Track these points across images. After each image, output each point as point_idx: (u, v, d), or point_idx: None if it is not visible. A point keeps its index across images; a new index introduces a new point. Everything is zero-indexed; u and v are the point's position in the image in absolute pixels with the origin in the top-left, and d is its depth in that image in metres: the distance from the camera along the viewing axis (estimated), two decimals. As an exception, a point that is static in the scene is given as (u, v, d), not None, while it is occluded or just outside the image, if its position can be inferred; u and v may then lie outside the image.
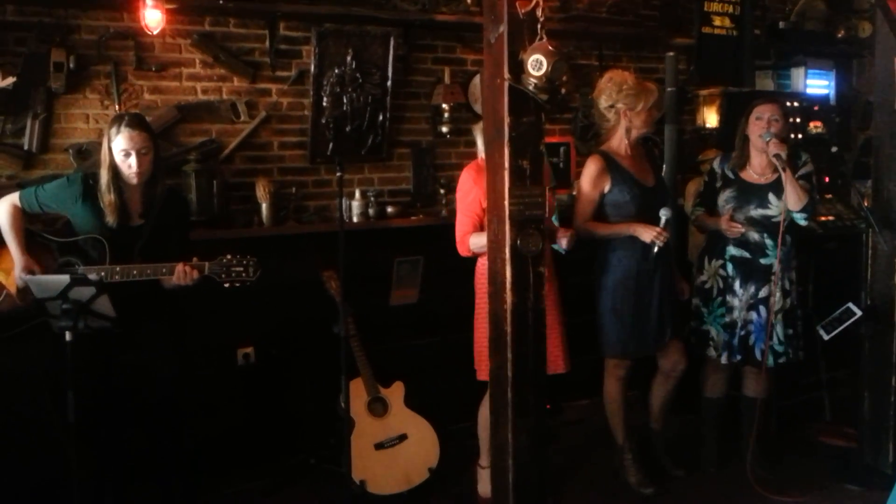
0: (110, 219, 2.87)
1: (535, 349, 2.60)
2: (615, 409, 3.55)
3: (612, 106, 3.33)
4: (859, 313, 3.49)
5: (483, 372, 3.25)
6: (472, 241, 3.20)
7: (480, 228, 3.19)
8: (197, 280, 2.87)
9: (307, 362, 3.77)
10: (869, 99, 4.77)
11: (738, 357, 3.50)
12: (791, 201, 3.35)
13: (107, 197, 2.86)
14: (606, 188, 3.33)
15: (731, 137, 3.84)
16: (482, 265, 3.23)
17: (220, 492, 3.47)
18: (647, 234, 3.23)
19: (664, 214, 3.21)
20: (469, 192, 3.23)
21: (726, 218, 3.44)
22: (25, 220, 2.92)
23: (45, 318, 2.74)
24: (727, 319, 3.51)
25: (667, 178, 4.42)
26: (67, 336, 2.59)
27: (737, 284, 3.49)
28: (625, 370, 3.50)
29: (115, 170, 2.87)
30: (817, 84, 5.34)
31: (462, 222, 3.25)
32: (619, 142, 3.39)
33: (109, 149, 2.86)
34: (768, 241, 3.45)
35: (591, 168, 3.34)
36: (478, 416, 3.42)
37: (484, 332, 3.18)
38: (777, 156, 3.31)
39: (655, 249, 3.24)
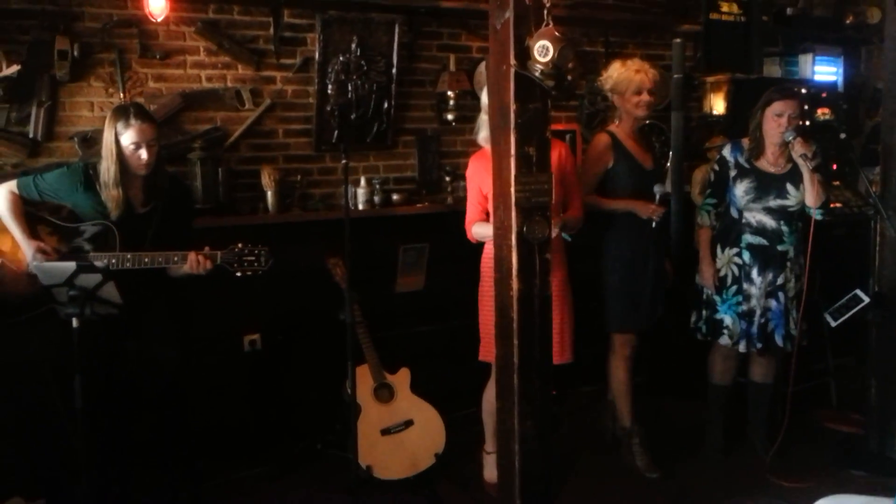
0: (113, 213, 2.87)
1: (541, 336, 2.60)
2: (623, 391, 3.59)
3: (611, 90, 3.50)
4: (867, 300, 3.48)
5: (489, 354, 3.27)
6: (475, 230, 3.26)
7: (485, 216, 3.22)
8: (210, 270, 2.88)
9: (313, 349, 3.78)
10: (877, 86, 4.74)
11: (759, 345, 3.49)
12: (811, 199, 3.38)
13: (113, 191, 2.85)
14: (610, 164, 3.46)
15: (738, 125, 3.82)
16: (489, 250, 3.25)
17: (226, 477, 3.48)
18: (644, 210, 3.39)
19: (658, 190, 3.38)
20: (471, 180, 3.28)
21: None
22: (24, 208, 2.91)
23: (51, 305, 2.74)
24: (744, 308, 3.49)
25: (673, 166, 4.41)
26: (74, 323, 2.59)
27: (754, 272, 3.47)
28: (630, 349, 3.56)
29: (121, 163, 2.85)
30: (825, 71, 5.31)
31: (470, 211, 3.30)
32: (621, 124, 3.53)
33: (117, 142, 2.84)
34: (784, 228, 3.45)
35: (598, 144, 3.51)
36: (482, 401, 3.43)
37: (487, 318, 3.21)
38: (804, 156, 3.29)
39: (654, 225, 3.39)
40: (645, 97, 3.41)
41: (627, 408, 3.60)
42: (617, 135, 3.49)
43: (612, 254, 3.51)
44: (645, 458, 3.55)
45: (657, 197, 3.37)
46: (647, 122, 4.64)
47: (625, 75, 3.40)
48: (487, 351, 3.26)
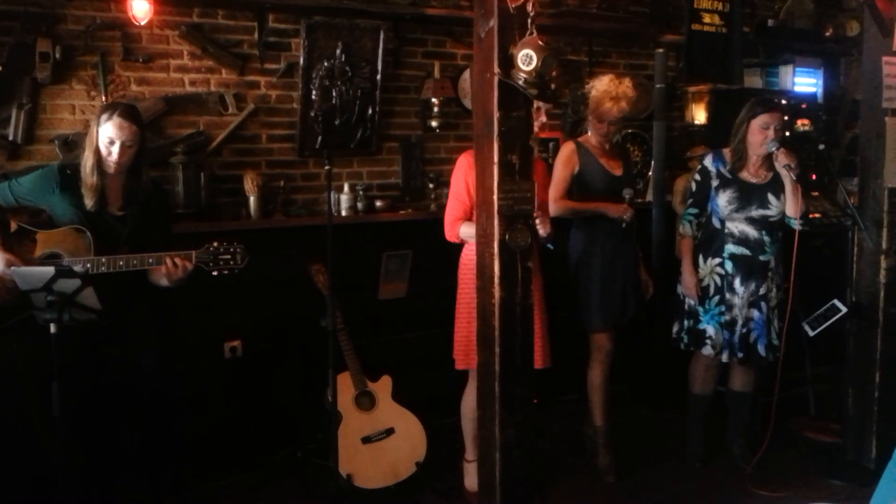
0: (89, 202, 2.85)
1: (523, 344, 2.60)
2: (594, 390, 3.68)
3: (587, 99, 3.60)
4: (844, 310, 3.52)
5: (462, 362, 3.29)
6: (463, 231, 3.24)
7: (470, 216, 3.24)
8: (190, 271, 2.85)
9: (295, 356, 3.76)
10: (856, 97, 4.80)
11: (741, 355, 3.52)
12: (792, 209, 3.42)
13: (89, 180, 2.85)
14: (577, 169, 3.58)
15: (719, 134, 3.85)
16: (467, 255, 3.26)
17: (207, 485, 3.45)
18: (614, 211, 3.50)
19: (627, 194, 3.51)
20: (461, 178, 3.27)
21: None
22: (1, 214, 2.89)
23: (31, 312, 2.71)
24: (727, 318, 3.52)
25: (655, 175, 4.45)
26: (52, 328, 2.56)
27: (737, 282, 3.50)
28: (605, 351, 3.63)
29: (99, 154, 2.86)
30: (805, 82, 5.38)
31: (452, 207, 3.29)
32: (591, 135, 3.64)
33: (97, 133, 2.85)
34: (766, 238, 3.49)
35: (564, 151, 3.66)
36: (460, 408, 3.44)
37: (466, 321, 3.25)
38: (787, 166, 3.33)
39: (624, 225, 3.52)
40: (604, 127, 3.52)
41: (599, 407, 3.68)
42: (583, 143, 3.62)
43: (584, 256, 3.61)
44: (606, 459, 3.63)
45: (626, 199, 3.50)
46: (630, 130, 4.70)
47: (599, 99, 3.47)
48: (470, 357, 3.26)
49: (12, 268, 2.73)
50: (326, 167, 3.02)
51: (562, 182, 3.58)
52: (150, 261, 2.83)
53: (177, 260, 2.84)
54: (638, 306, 3.71)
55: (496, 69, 2.47)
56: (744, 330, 3.51)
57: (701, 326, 3.58)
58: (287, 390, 3.77)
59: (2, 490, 3.09)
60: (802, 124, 4.68)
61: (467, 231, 3.21)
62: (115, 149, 2.84)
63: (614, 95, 3.44)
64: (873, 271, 3.55)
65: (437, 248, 3.36)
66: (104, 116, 2.85)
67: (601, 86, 3.48)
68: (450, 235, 3.30)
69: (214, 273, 2.90)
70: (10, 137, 3.26)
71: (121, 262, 2.81)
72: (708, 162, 3.58)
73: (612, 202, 3.53)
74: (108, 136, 2.84)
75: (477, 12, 2.56)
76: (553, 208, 3.55)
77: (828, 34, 5.33)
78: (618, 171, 3.62)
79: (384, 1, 3.88)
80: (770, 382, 3.52)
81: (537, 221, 3.28)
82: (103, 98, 3.38)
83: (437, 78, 4.08)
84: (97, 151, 2.86)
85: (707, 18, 4.57)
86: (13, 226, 2.90)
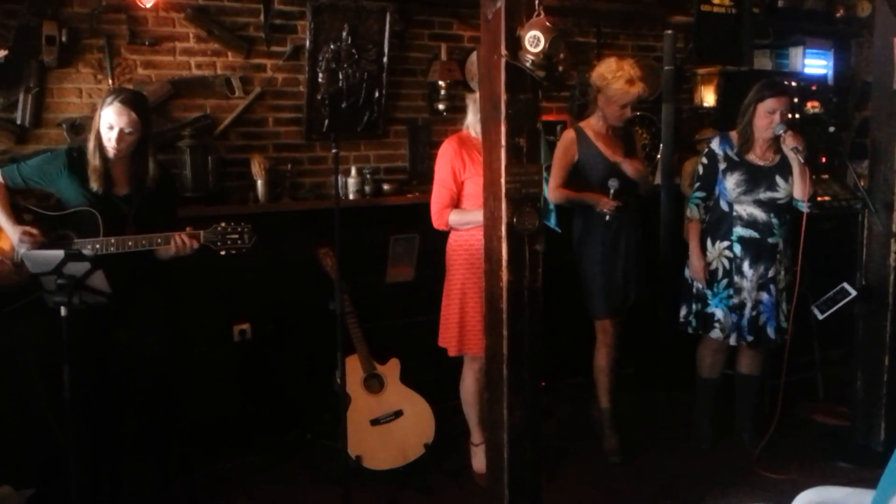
0: (95, 185, 2.85)
1: (531, 327, 2.60)
2: (599, 374, 3.70)
3: (599, 90, 3.52)
4: (854, 293, 3.50)
5: (455, 349, 3.32)
6: (453, 218, 3.27)
7: (457, 202, 3.26)
8: (195, 249, 2.86)
9: (303, 339, 3.78)
10: (867, 79, 4.75)
11: (750, 338, 3.52)
12: (800, 191, 3.41)
13: (92, 162, 2.85)
14: (576, 158, 3.56)
15: (728, 117, 3.83)
16: (455, 241, 3.29)
17: (216, 467, 3.48)
18: (602, 205, 3.47)
19: (612, 185, 3.46)
20: (447, 165, 3.27)
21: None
22: (10, 196, 2.90)
23: (39, 294, 2.72)
24: (735, 301, 3.51)
25: (663, 158, 4.43)
26: (62, 311, 2.57)
27: (746, 265, 3.49)
28: (609, 335, 3.64)
29: (100, 138, 2.86)
30: (815, 63, 5.32)
31: (439, 194, 3.29)
32: (596, 120, 3.60)
33: (100, 116, 2.85)
34: (774, 221, 3.47)
35: (563, 139, 3.63)
36: (460, 393, 3.46)
37: (458, 308, 3.29)
38: (795, 149, 3.32)
39: (607, 217, 3.50)
40: (627, 112, 3.50)
41: (604, 389, 3.70)
42: (584, 130, 3.58)
43: (584, 243, 3.62)
44: (612, 441, 3.66)
45: (611, 191, 3.45)
46: (638, 113, 4.67)
47: (621, 87, 3.41)
48: (463, 343, 3.29)
49: (23, 250, 2.74)
50: (333, 150, 3.01)
51: (560, 171, 3.57)
52: (159, 241, 2.85)
53: (185, 238, 2.85)
54: (639, 291, 3.69)
55: (503, 51, 2.45)
56: (753, 313, 3.50)
57: (709, 310, 3.57)
58: (295, 373, 3.79)
59: (11, 473, 3.12)
60: (812, 106, 4.64)
61: (457, 219, 3.25)
62: (114, 135, 2.82)
63: (629, 78, 3.40)
64: (883, 254, 3.53)
65: (444, 231, 3.36)
66: (107, 100, 2.84)
67: (613, 70, 3.43)
68: (438, 223, 3.31)
69: (222, 253, 2.91)
70: (18, 121, 3.26)
71: (129, 242, 2.82)
72: (715, 145, 3.56)
73: (605, 192, 3.50)
74: (108, 121, 2.82)
75: (484, -7, 2.54)
76: (552, 196, 3.56)
77: (838, 15, 5.28)
78: (618, 158, 3.58)
79: (391, -18, 3.86)
80: (778, 365, 3.52)
81: None
82: (110, 82, 3.38)
83: (444, 60, 4.06)
84: (98, 135, 2.86)
85: (717, -1, 4.53)
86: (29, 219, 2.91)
